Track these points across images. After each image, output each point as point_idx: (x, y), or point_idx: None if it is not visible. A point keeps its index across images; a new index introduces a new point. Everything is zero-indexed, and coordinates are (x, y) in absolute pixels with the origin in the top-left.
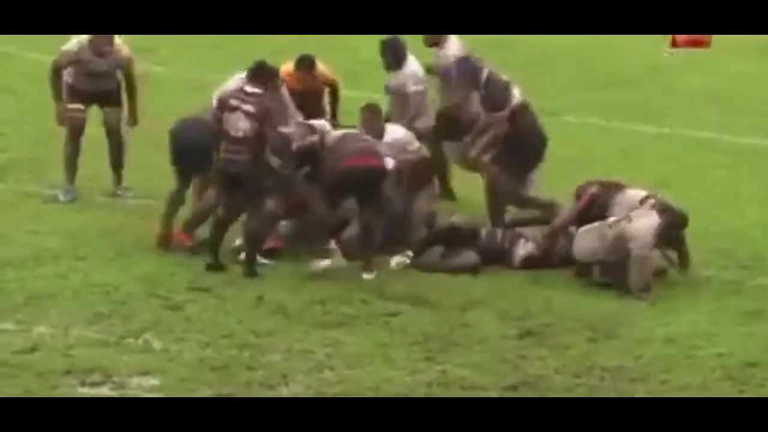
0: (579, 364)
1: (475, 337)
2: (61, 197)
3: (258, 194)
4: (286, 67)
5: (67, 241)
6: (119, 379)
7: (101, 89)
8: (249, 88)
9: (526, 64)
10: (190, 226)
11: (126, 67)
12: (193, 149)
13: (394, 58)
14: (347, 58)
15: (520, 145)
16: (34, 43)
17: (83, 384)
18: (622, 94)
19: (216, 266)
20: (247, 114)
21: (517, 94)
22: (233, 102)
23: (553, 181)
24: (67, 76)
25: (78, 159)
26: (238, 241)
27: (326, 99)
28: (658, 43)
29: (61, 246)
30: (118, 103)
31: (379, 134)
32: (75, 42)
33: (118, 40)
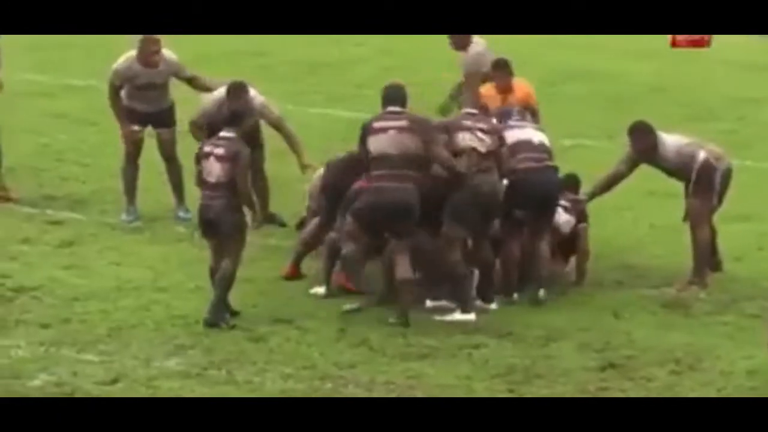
0: (661, 396)
1: (557, 369)
2: (124, 217)
3: (233, 237)
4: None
5: (149, 272)
6: None
7: (155, 109)
8: (223, 133)
9: (617, 99)
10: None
11: (180, 72)
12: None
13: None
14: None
15: None
16: None
17: None
18: (705, 127)
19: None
20: (218, 157)
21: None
22: (207, 148)
23: (642, 215)
24: (123, 97)
25: (137, 180)
26: (318, 289)
27: None
28: (741, 76)
29: (142, 277)
30: (171, 124)
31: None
32: (123, 59)
33: (165, 50)
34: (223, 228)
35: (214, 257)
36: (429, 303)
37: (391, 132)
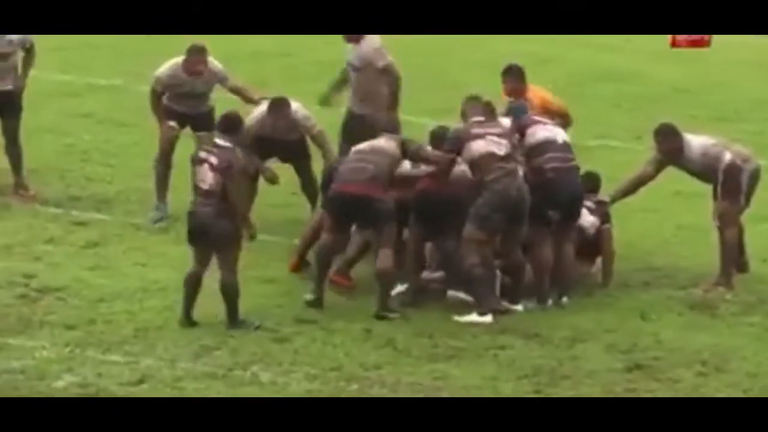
0: (687, 397)
1: (583, 370)
2: (152, 214)
3: (224, 247)
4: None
5: (174, 273)
6: None
7: (194, 112)
8: (219, 141)
9: (643, 100)
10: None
11: (224, 82)
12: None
13: None
14: None
15: None
16: (143, 75)
17: None
18: (732, 128)
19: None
20: (211, 166)
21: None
22: (202, 154)
23: (668, 216)
24: (165, 97)
25: (169, 177)
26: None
27: None
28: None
29: (168, 278)
30: (210, 127)
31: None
32: (168, 65)
33: (212, 58)
34: (212, 237)
35: (195, 264)
36: (450, 293)
37: (370, 141)
